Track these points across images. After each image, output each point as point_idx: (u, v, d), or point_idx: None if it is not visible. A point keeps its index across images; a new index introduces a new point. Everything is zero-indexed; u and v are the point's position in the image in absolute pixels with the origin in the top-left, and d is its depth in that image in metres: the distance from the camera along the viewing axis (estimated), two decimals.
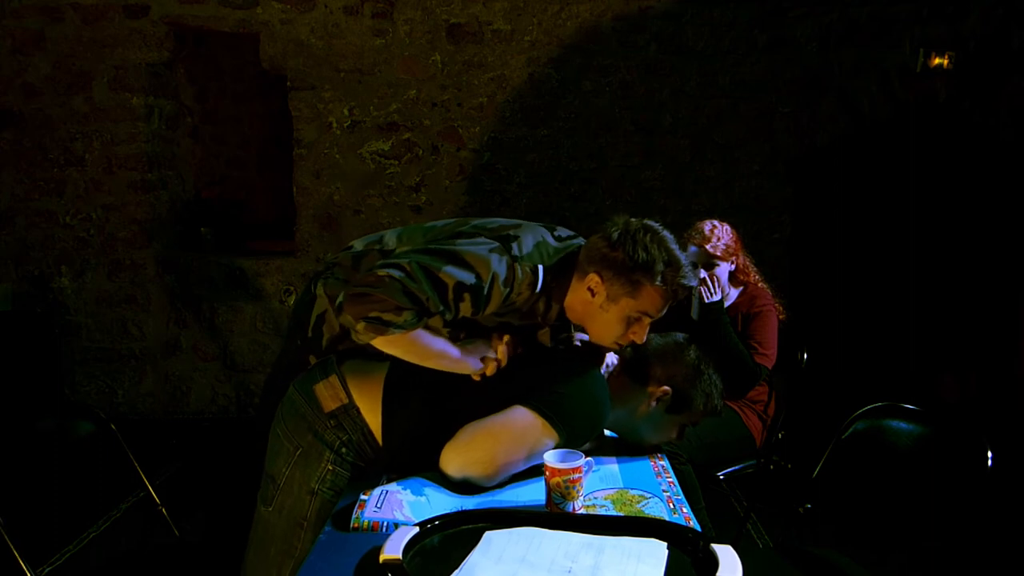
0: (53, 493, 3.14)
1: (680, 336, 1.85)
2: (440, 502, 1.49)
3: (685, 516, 1.45)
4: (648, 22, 4.06)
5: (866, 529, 2.92)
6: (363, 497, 1.49)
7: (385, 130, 4.14)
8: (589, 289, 1.63)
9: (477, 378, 1.63)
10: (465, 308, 1.58)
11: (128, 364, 4.28)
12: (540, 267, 1.63)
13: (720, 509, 2.69)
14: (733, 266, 2.67)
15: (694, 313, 2.67)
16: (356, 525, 1.42)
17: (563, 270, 1.68)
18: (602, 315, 1.63)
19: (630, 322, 1.63)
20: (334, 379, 1.62)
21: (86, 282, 4.20)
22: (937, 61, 3.94)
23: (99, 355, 4.26)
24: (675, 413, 1.77)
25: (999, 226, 4.13)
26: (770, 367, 2.60)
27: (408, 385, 1.62)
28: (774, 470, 2.60)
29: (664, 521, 1.41)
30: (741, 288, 2.73)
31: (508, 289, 1.59)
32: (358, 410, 1.60)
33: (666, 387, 1.74)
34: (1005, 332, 4.11)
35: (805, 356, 2.75)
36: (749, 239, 2.76)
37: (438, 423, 1.59)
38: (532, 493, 1.54)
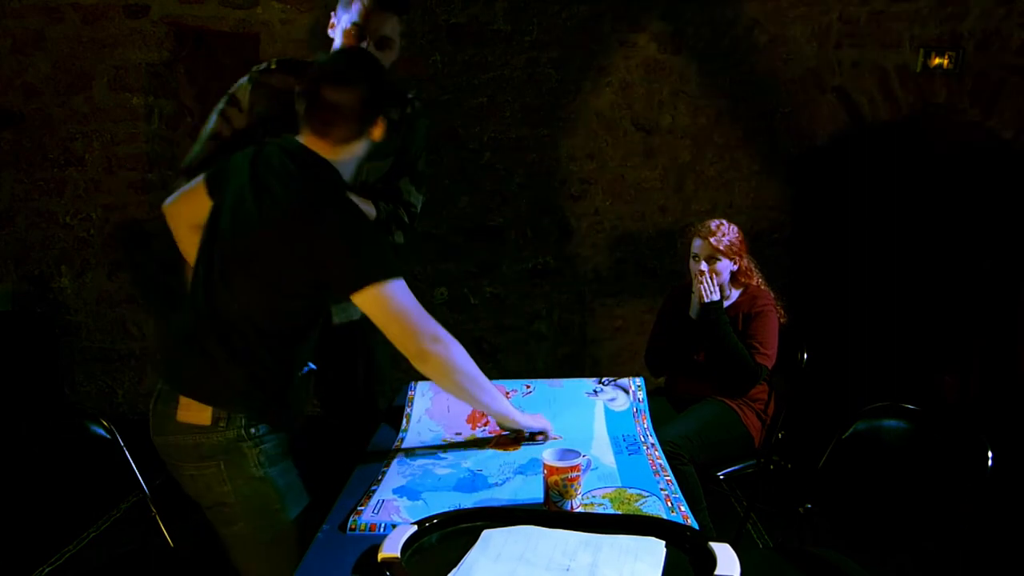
0: (53, 493, 3.14)
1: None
2: (438, 506, 1.49)
3: (683, 514, 1.45)
4: (648, 22, 4.07)
5: (866, 529, 2.91)
6: (360, 508, 1.50)
7: None
8: None
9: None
10: None
11: (128, 364, 4.27)
12: None
13: (720, 509, 2.69)
14: (735, 266, 2.68)
15: (692, 312, 2.68)
16: (353, 527, 1.42)
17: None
18: None
19: None
20: (183, 400, 1.57)
21: (86, 282, 4.20)
22: (937, 61, 3.94)
23: (99, 355, 4.26)
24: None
25: (999, 226, 4.14)
26: (770, 367, 2.61)
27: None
28: (774, 470, 2.60)
29: (662, 519, 1.41)
30: (742, 289, 2.73)
31: None
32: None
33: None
34: (1005, 332, 4.11)
35: (805, 356, 2.75)
36: (749, 239, 2.76)
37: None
38: (530, 491, 1.54)
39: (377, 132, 1.64)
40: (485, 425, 1.92)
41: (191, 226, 1.75)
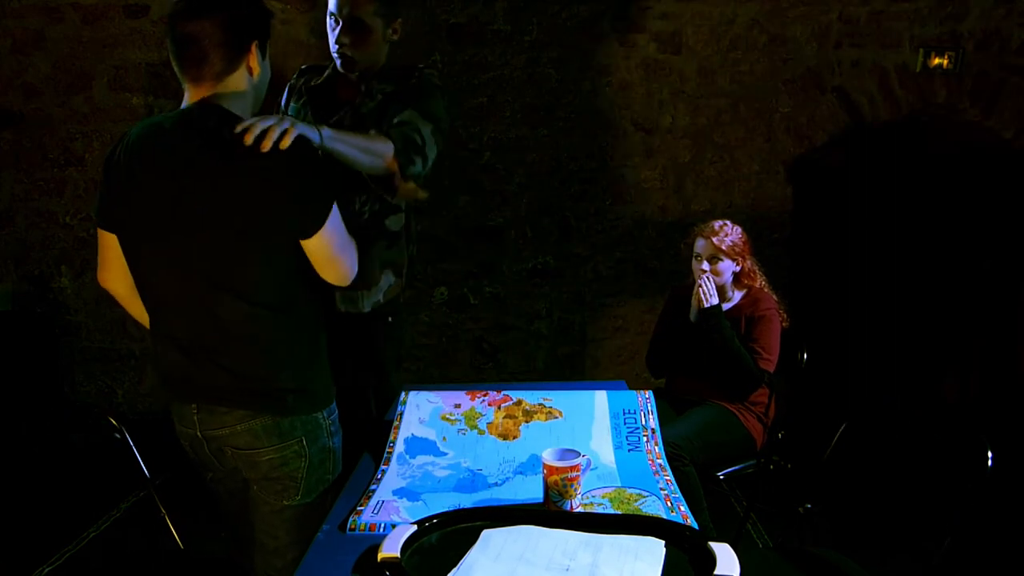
0: (54, 492, 3.14)
1: None
2: (438, 507, 1.48)
3: (683, 514, 1.45)
4: (648, 22, 4.06)
5: (866, 529, 2.91)
6: (359, 508, 1.50)
7: None
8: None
9: None
10: None
11: (128, 364, 4.27)
12: None
13: (720, 509, 2.69)
14: (738, 267, 2.68)
15: (692, 316, 2.68)
16: (353, 527, 1.42)
17: None
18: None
19: None
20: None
21: (86, 282, 4.20)
22: (937, 61, 3.94)
23: (99, 355, 4.26)
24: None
25: (999, 226, 4.14)
26: (771, 371, 2.61)
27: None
28: (774, 470, 2.60)
29: (662, 519, 1.41)
30: (745, 291, 2.73)
31: None
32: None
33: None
34: (1005, 332, 4.10)
35: (805, 356, 2.75)
36: (749, 239, 2.77)
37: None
38: (530, 491, 1.54)
39: (253, 62, 1.53)
40: (484, 396, 1.91)
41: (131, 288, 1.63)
